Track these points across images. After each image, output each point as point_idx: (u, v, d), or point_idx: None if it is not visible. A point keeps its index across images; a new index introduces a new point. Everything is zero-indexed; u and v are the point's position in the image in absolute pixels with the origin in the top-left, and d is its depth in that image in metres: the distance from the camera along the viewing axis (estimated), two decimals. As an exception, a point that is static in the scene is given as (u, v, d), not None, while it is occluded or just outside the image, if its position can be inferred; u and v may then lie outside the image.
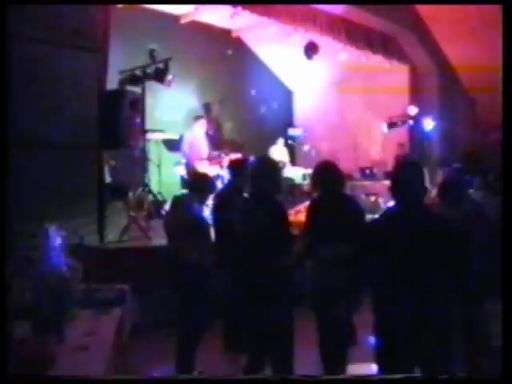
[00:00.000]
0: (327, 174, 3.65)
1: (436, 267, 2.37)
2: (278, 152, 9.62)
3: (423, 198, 2.50)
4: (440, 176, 7.48)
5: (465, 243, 2.49)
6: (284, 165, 9.18)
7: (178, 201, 4.10)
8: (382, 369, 2.47)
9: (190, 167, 7.61)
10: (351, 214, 3.47)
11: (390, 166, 9.95)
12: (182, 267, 3.68)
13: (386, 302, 2.46)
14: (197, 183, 4.16)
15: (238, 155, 7.78)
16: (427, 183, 2.60)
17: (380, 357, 2.50)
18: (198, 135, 7.80)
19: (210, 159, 7.77)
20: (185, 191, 4.71)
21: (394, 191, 2.52)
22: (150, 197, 6.68)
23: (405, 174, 2.53)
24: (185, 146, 7.72)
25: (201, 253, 3.59)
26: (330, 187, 3.61)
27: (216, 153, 7.92)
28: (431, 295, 2.39)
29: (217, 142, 8.48)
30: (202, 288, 3.59)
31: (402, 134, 10.00)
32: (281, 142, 9.97)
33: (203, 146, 7.80)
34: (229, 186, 4.64)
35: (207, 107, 9.11)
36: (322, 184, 3.69)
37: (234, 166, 4.58)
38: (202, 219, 3.88)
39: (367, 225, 2.75)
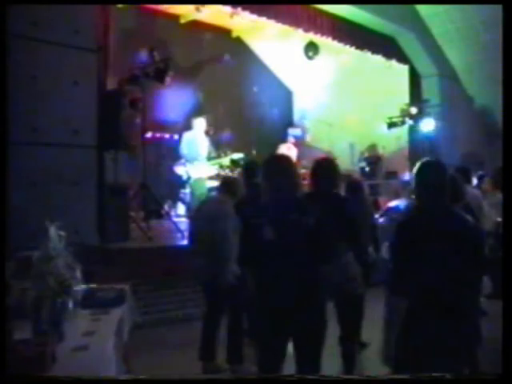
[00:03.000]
0: (320, 171, 3.62)
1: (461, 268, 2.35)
2: (286, 151, 9.56)
3: (445, 198, 2.46)
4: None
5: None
6: None
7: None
8: (400, 370, 2.41)
9: (189, 167, 7.61)
10: (337, 212, 3.42)
11: (389, 166, 10.04)
12: None
13: (417, 303, 2.41)
14: (231, 187, 4.15)
15: (240, 154, 7.80)
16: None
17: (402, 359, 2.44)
18: (197, 135, 7.79)
19: (210, 159, 7.77)
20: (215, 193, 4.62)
21: (417, 193, 2.52)
22: (150, 197, 6.68)
23: (425, 176, 2.50)
24: (184, 145, 7.72)
25: None
26: (321, 184, 3.57)
27: (216, 153, 7.92)
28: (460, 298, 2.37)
29: (217, 141, 8.48)
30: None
31: (402, 134, 10.01)
32: (291, 140, 9.94)
33: (203, 146, 7.79)
34: None
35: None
36: (313, 181, 3.65)
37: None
38: None
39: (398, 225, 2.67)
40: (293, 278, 2.65)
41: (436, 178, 2.45)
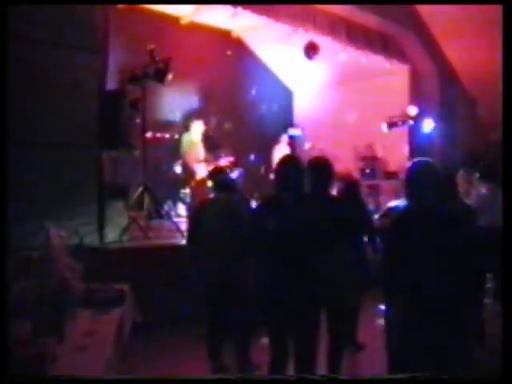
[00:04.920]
0: (315, 172, 3.62)
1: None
2: (281, 151, 9.55)
3: (434, 196, 2.53)
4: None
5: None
6: None
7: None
8: (394, 368, 2.44)
9: (188, 168, 7.62)
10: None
11: (389, 166, 10.05)
12: None
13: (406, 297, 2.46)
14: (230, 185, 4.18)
15: (231, 158, 7.83)
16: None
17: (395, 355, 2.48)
18: (195, 136, 7.80)
19: (208, 161, 7.77)
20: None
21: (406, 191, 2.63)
22: (150, 197, 6.67)
23: (415, 174, 2.58)
24: (183, 147, 7.73)
25: None
26: (316, 184, 3.57)
27: (214, 154, 7.92)
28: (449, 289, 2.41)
29: (216, 142, 8.48)
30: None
31: (402, 134, 10.00)
32: (285, 139, 9.93)
33: (201, 148, 7.80)
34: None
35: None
36: (308, 180, 3.65)
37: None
38: None
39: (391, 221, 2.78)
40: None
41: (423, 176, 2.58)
